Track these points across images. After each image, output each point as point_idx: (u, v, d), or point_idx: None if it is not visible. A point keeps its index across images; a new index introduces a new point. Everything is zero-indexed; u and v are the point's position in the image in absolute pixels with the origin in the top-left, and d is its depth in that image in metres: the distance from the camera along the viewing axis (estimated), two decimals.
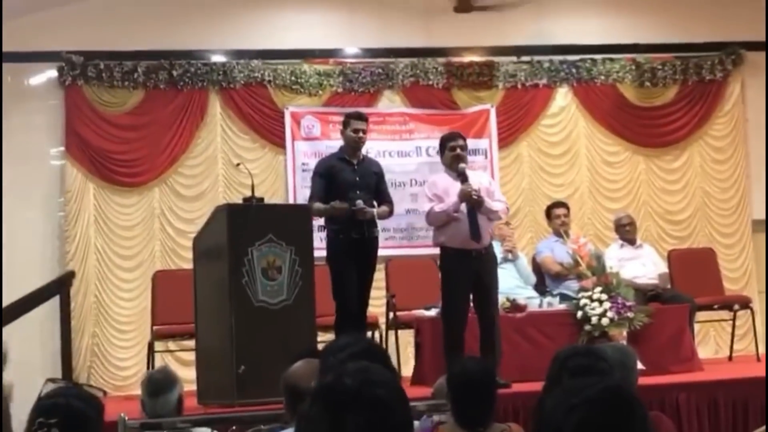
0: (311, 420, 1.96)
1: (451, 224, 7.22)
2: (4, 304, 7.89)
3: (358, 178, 7.58)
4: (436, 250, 7.64)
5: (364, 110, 8.56)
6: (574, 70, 10.88)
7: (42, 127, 9.87)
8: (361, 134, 7.66)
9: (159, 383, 4.99)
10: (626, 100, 10.98)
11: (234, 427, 5.04)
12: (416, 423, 4.75)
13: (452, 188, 7.28)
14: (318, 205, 7.47)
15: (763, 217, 10.90)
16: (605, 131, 10.96)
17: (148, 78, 10.02)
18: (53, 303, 8.57)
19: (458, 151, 7.39)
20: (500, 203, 7.47)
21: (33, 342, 9.10)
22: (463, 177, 7.26)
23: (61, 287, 8.62)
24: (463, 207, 7.18)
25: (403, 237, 10.27)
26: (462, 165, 7.31)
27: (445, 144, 7.49)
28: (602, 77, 10.91)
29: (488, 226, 7.36)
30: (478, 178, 7.50)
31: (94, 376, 9.49)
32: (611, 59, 10.93)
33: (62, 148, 9.90)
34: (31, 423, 3.00)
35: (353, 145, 7.67)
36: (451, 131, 8.23)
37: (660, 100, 11.07)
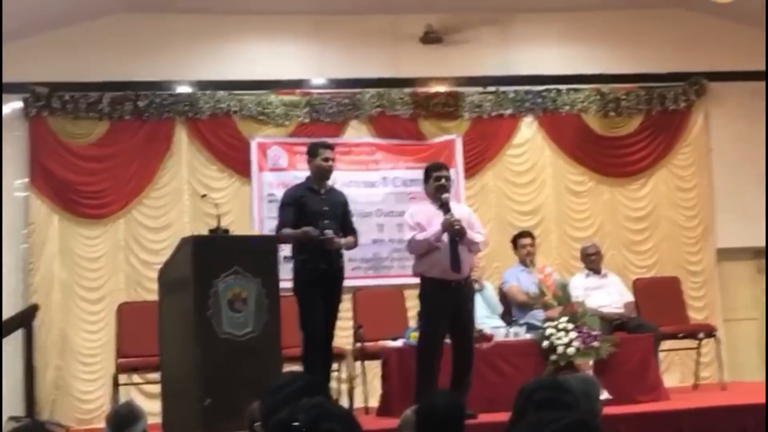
0: None
1: (432, 254, 7.22)
2: None
3: (326, 208, 7.59)
4: (403, 280, 7.66)
5: (330, 140, 8.57)
6: (539, 100, 10.94)
7: (6, 158, 9.80)
8: (330, 163, 7.68)
9: (123, 418, 4.95)
10: (591, 129, 11.05)
11: None
12: None
13: (435, 218, 7.29)
14: (288, 230, 7.46)
15: (728, 245, 10.99)
16: (570, 161, 11.01)
17: (114, 109, 10.00)
18: (16, 336, 8.49)
19: (443, 181, 7.42)
20: (480, 235, 7.50)
21: None
22: (446, 207, 7.29)
23: (24, 321, 8.55)
24: (445, 237, 7.20)
25: (369, 267, 10.26)
26: (446, 195, 7.34)
27: (430, 173, 7.50)
28: (567, 107, 10.98)
29: (468, 257, 7.37)
30: (460, 209, 7.54)
31: (57, 409, 9.39)
32: (576, 89, 11.00)
33: (26, 180, 9.84)
34: None
35: (323, 173, 7.68)
36: (435, 161, 8.26)
37: (624, 129, 11.14)
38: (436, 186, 7.38)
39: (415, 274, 7.49)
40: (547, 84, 10.95)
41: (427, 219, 7.31)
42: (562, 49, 11.12)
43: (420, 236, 7.23)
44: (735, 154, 11.11)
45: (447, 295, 7.18)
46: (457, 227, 7.18)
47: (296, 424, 1.96)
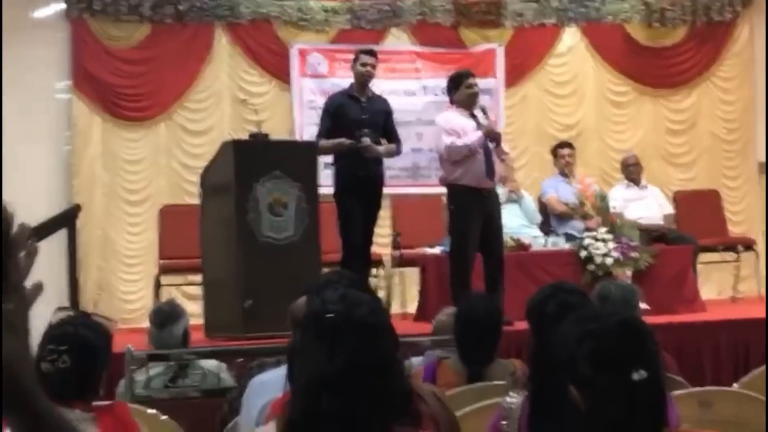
0: (304, 348, 2.02)
1: (470, 160, 7.21)
2: None
3: (365, 116, 7.57)
4: (441, 189, 7.66)
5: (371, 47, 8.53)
6: (582, 10, 10.80)
7: (49, 60, 9.82)
8: (369, 68, 7.65)
9: (166, 315, 5.05)
10: (634, 40, 10.92)
11: (240, 360, 5.11)
12: (419, 358, 4.81)
13: (466, 125, 7.28)
14: (324, 141, 7.48)
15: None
16: (613, 71, 10.91)
17: (155, 12, 9.96)
18: (59, 236, 8.60)
19: (475, 88, 7.40)
20: (506, 145, 7.53)
21: (39, 274, 9.13)
22: (484, 113, 7.30)
23: (68, 220, 8.65)
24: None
25: (408, 176, 10.26)
26: (482, 103, 7.36)
27: (460, 81, 7.46)
28: (610, 17, 10.84)
29: (498, 166, 7.40)
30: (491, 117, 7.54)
31: (100, 309, 9.54)
32: None
33: (69, 82, 9.88)
34: (41, 350, 3.04)
35: (361, 79, 7.67)
36: (463, 69, 8.20)
37: (668, 40, 11.01)
38: (470, 93, 7.37)
39: (443, 182, 7.49)
40: None
41: (461, 126, 7.30)
42: None
43: (460, 142, 7.21)
44: None
45: (479, 203, 7.21)
46: (496, 134, 7.19)
47: (329, 315, 2.02)
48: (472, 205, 7.22)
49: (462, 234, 7.30)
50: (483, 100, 10.04)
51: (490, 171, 7.22)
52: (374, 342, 2.00)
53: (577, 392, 2.16)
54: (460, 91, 7.42)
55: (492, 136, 7.22)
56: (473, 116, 7.33)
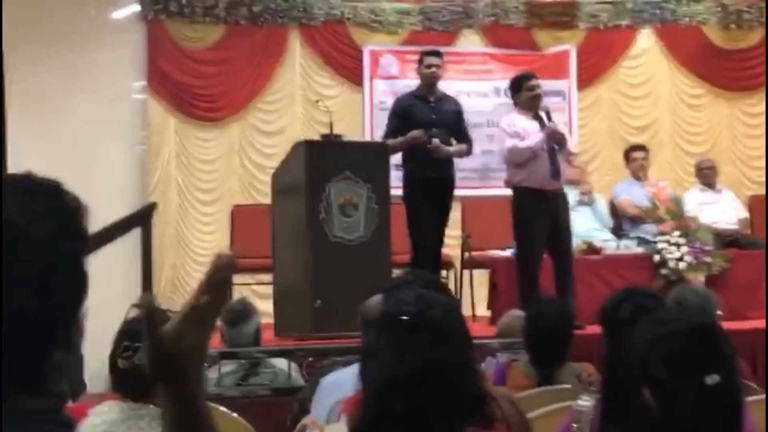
0: (378, 348, 2.02)
1: (533, 162, 7.18)
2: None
3: (434, 116, 7.57)
4: (510, 192, 7.64)
5: (442, 49, 8.52)
6: (657, 11, 10.70)
7: (125, 61, 9.96)
8: (434, 69, 7.64)
9: (238, 313, 5.10)
10: (711, 42, 10.79)
11: (310, 359, 5.15)
12: (490, 360, 4.80)
13: (530, 127, 7.25)
14: (392, 140, 7.49)
15: None
16: (688, 74, 10.79)
17: (229, 13, 10.07)
18: (134, 234, 8.72)
19: (537, 90, 7.36)
20: (574, 146, 7.47)
21: (113, 272, 9.27)
22: (548, 115, 7.27)
23: (144, 218, 8.76)
24: (545, 145, 7.17)
25: (478, 177, 10.23)
26: (545, 104, 7.31)
27: (521, 83, 7.44)
28: (686, 18, 10.72)
29: (565, 167, 7.35)
30: (555, 119, 7.48)
31: (174, 306, 9.66)
32: (696, 0, 10.72)
33: (144, 83, 10.02)
34: (117, 346, 3.08)
35: (427, 81, 7.67)
36: (525, 71, 8.16)
37: (745, 42, 10.86)
38: (532, 95, 7.33)
39: (508, 185, 7.45)
40: None
41: (524, 128, 7.27)
42: None
43: (522, 144, 7.18)
44: None
45: (545, 205, 7.17)
46: (559, 136, 7.14)
47: (404, 318, 2.02)
48: (536, 208, 7.18)
49: (526, 237, 7.27)
50: (554, 102, 10.07)
51: (555, 173, 7.18)
52: (447, 344, 2.00)
53: (650, 394, 2.15)
54: (522, 93, 7.39)
55: (554, 138, 7.17)
56: (538, 117, 7.29)
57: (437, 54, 7.76)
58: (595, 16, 10.62)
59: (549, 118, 7.27)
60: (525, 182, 7.24)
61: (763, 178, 10.75)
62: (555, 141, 7.18)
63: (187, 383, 1.36)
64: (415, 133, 7.36)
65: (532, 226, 7.21)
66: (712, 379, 2.13)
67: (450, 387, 1.97)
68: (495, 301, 8.09)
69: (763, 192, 10.42)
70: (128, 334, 3.13)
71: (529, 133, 7.22)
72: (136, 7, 10.02)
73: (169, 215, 9.88)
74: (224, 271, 1.39)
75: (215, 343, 5.17)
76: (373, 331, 2.05)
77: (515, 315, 5.25)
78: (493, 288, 8.21)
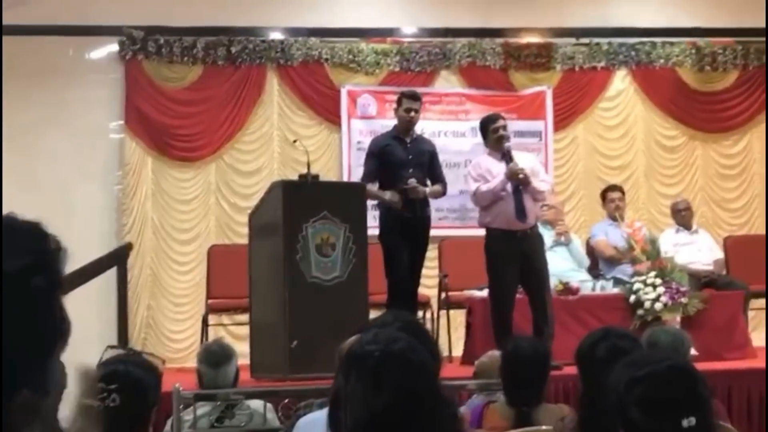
0: (348, 391, 2.01)
1: (497, 204, 7.22)
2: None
3: (410, 156, 7.60)
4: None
5: (420, 90, 8.60)
6: (633, 53, 10.79)
7: (102, 100, 9.97)
8: (413, 113, 7.67)
9: (219, 354, 5.07)
10: (685, 84, 10.88)
11: (286, 400, 5.11)
12: (471, 402, 4.78)
13: (496, 169, 7.29)
14: (371, 188, 7.51)
15: None
16: (663, 115, 10.87)
17: (207, 54, 10.09)
18: (109, 275, 8.69)
19: (501, 132, 7.40)
20: (545, 183, 7.50)
21: (89, 313, 9.22)
22: (508, 156, 7.28)
23: (119, 259, 8.74)
24: (509, 187, 7.19)
25: (456, 217, 10.26)
26: (507, 144, 7.34)
27: (487, 126, 7.48)
28: (661, 60, 10.82)
29: (534, 206, 7.37)
30: (523, 158, 7.50)
31: (148, 347, 9.59)
32: (671, 43, 10.82)
33: (122, 122, 10.01)
34: None
35: (404, 124, 7.70)
36: (490, 113, 8.20)
37: (720, 84, 10.96)
38: (496, 137, 7.36)
39: (481, 226, 7.48)
40: (642, 36, 10.80)
41: (489, 170, 7.31)
42: (657, 1, 10.93)
43: (484, 187, 7.22)
44: None
45: (513, 245, 7.18)
46: (520, 176, 7.17)
47: (371, 353, 2.02)
48: (505, 248, 7.20)
49: (497, 277, 7.31)
50: (531, 142, 10.16)
51: (520, 213, 7.18)
52: (417, 376, 2.00)
53: None
54: (488, 137, 7.43)
55: (515, 179, 7.19)
56: (508, 156, 7.32)
57: (416, 98, 7.79)
58: (572, 58, 10.70)
59: (509, 159, 7.28)
60: (493, 224, 7.28)
61: (740, 219, 10.83)
62: (516, 181, 7.21)
63: None
64: (391, 197, 7.37)
65: (502, 266, 7.24)
66: (689, 422, 2.13)
67: (425, 422, 1.97)
68: (471, 341, 8.09)
69: (741, 233, 10.50)
70: (103, 376, 3.10)
71: (494, 175, 7.25)
72: (114, 47, 10.03)
73: (145, 255, 9.85)
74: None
75: (191, 385, 5.14)
76: (342, 374, 2.05)
77: (492, 355, 5.24)
78: (469, 328, 8.20)
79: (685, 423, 2.13)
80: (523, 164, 7.28)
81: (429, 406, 1.99)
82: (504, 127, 7.45)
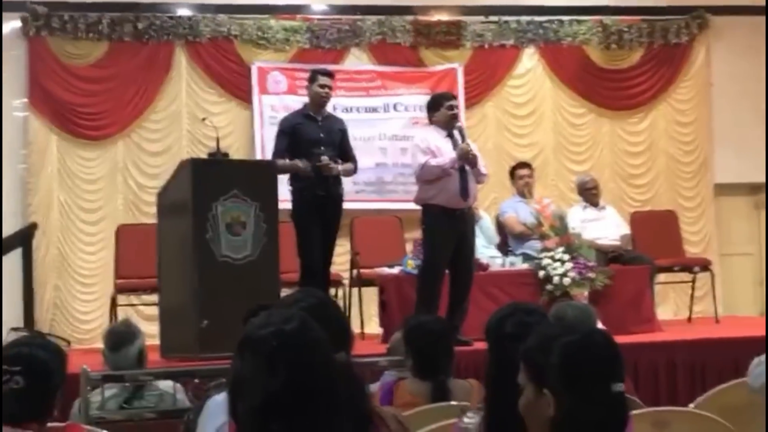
0: (244, 374, 2.00)
1: (442, 180, 7.24)
2: None
3: (322, 134, 7.57)
4: (405, 206, 7.67)
5: (331, 67, 8.58)
6: (541, 31, 10.88)
7: (5, 78, 9.74)
8: (327, 90, 7.64)
9: (120, 336, 4.99)
10: (592, 62, 11.01)
11: (196, 380, 5.07)
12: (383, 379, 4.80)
13: (443, 146, 7.31)
14: (281, 161, 7.46)
15: (725, 180, 11.03)
16: (571, 93, 11.00)
17: (113, 30, 9.93)
18: (15, 255, 8.53)
19: (455, 110, 7.47)
20: (484, 168, 7.55)
21: None
22: (462, 135, 7.36)
23: (24, 239, 8.58)
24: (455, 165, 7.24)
25: (372, 191, 10.26)
26: (460, 124, 7.39)
27: (441, 102, 7.50)
28: (569, 38, 10.93)
29: (474, 187, 7.41)
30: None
31: (56, 328, 9.45)
32: (578, 21, 10.94)
33: (25, 100, 9.81)
34: None
35: (318, 101, 7.65)
36: (443, 91, 8.21)
37: (626, 62, 11.12)
38: (451, 115, 7.41)
39: (417, 202, 7.50)
40: (550, 15, 10.89)
41: (437, 146, 7.33)
42: None
43: (434, 161, 7.23)
44: (735, 89, 11.09)
45: (452, 224, 7.24)
46: (471, 156, 7.21)
47: (262, 334, 2.01)
48: (443, 226, 7.24)
49: (432, 254, 7.34)
50: None
51: (464, 192, 7.24)
52: (312, 355, 2.00)
53: (552, 398, 2.17)
54: (441, 111, 7.44)
55: (466, 158, 7.24)
56: (451, 137, 7.36)
57: (330, 75, 7.76)
58: (481, 35, 10.75)
59: (463, 138, 7.35)
60: (434, 200, 7.29)
61: (645, 195, 11.02)
62: (467, 161, 7.25)
63: None
64: (298, 164, 7.33)
65: (439, 243, 7.29)
66: (618, 387, 2.18)
67: (325, 402, 1.96)
68: (386, 320, 8.09)
69: (646, 208, 10.68)
70: (6, 359, 3.05)
71: (443, 152, 7.28)
72: (17, 24, 9.81)
73: (51, 235, 9.70)
74: None
75: (98, 366, 5.07)
76: (237, 356, 2.03)
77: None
78: (383, 306, 8.21)
79: (615, 388, 2.17)
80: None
81: (326, 385, 1.98)
82: (457, 106, 7.49)
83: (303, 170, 7.34)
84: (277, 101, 10.16)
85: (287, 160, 7.45)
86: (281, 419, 1.93)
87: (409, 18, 10.61)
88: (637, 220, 10.01)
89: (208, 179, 7.04)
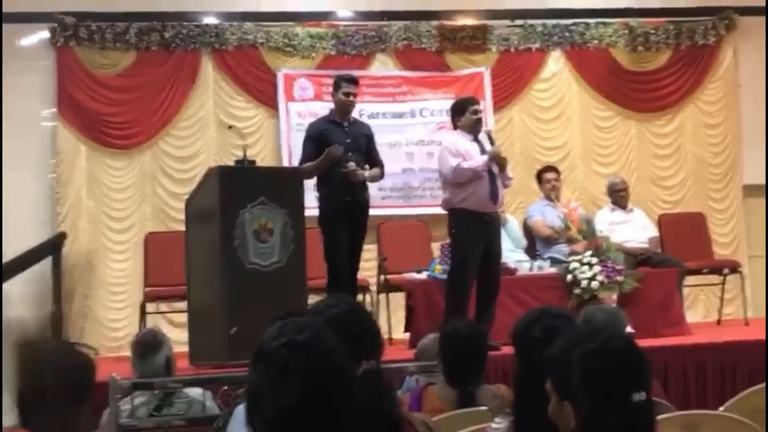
0: (259, 387, 1.98)
1: (473, 183, 7.25)
2: None
3: (349, 140, 7.58)
4: (432, 210, 7.66)
5: (356, 73, 8.59)
6: (567, 34, 10.86)
7: (34, 88, 9.82)
8: (351, 97, 7.65)
9: (147, 345, 5.01)
10: (619, 64, 10.97)
11: (225, 387, 5.08)
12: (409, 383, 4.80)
13: (471, 149, 7.33)
14: (308, 164, 7.46)
15: (754, 182, 10.95)
16: (597, 95, 10.96)
17: (140, 40, 9.99)
18: (44, 264, 8.58)
19: (480, 114, 7.53)
20: (511, 172, 7.59)
21: (24, 303, 9.10)
22: (490, 138, 7.41)
23: (53, 248, 8.64)
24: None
25: (399, 196, 10.27)
26: (488, 128, 7.43)
27: (465, 107, 7.53)
28: (595, 41, 10.90)
29: (502, 191, 7.43)
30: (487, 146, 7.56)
31: (85, 337, 9.51)
32: (604, 23, 10.91)
33: (54, 110, 9.88)
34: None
35: (343, 108, 7.67)
36: (467, 95, 8.24)
37: (653, 64, 11.07)
38: (475, 119, 7.44)
39: (446, 206, 7.49)
40: (576, 18, 10.87)
41: (466, 150, 7.35)
42: None
43: (466, 164, 7.24)
44: (763, 90, 10.98)
45: (481, 227, 7.25)
46: (502, 159, 7.28)
47: (274, 345, 1.99)
48: (473, 230, 7.25)
49: (462, 258, 7.33)
50: None
51: (494, 195, 7.28)
52: (325, 365, 1.98)
53: (572, 409, 2.17)
54: (465, 116, 7.47)
55: (497, 161, 7.26)
56: (477, 141, 7.39)
57: (354, 82, 7.76)
58: (507, 39, 10.74)
59: (492, 142, 7.38)
60: (464, 203, 7.29)
61: (674, 197, 10.96)
62: (497, 164, 7.26)
63: None
64: (332, 148, 7.33)
65: (468, 248, 7.29)
66: (639, 396, 2.16)
67: (341, 412, 1.95)
68: (414, 325, 8.08)
69: (675, 211, 10.62)
70: None
71: (471, 155, 7.29)
72: (46, 34, 9.89)
73: (80, 244, 9.74)
74: None
75: (127, 374, 5.09)
76: (252, 369, 2.01)
77: (434, 337, 5.24)
78: (411, 311, 8.20)
79: (635, 398, 2.16)
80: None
81: (342, 396, 1.96)
82: (482, 111, 7.53)
83: (333, 152, 7.31)
84: (303, 108, 10.19)
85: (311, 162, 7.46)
86: (302, 427, 1.91)
87: (435, 23, 10.62)
88: (666, 222, 9.97)
89: (236, 186, 7.06)
